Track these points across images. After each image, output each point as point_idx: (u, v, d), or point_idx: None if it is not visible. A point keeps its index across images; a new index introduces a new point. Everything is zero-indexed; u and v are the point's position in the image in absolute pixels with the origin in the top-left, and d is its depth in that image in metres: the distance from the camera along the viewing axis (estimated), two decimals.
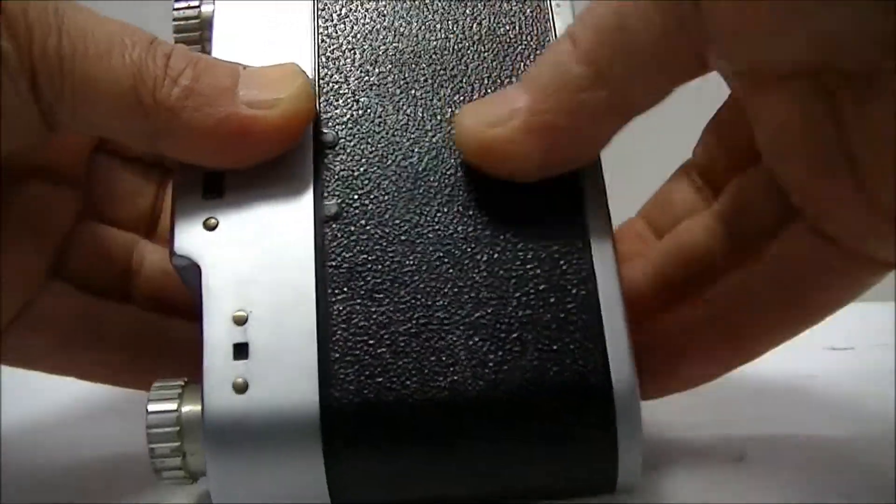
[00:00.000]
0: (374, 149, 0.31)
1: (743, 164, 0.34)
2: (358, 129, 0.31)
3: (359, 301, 0.29)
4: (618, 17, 0.28)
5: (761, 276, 0.32)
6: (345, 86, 0.32)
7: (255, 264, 0.29)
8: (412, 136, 0.31)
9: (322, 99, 0.32)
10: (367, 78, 0.32)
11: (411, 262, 0.29)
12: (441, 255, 0.30)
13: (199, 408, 0.28)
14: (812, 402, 0.40)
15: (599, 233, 0.30)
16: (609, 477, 0.29)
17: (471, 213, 0.30)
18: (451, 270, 0.29)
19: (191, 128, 0.28)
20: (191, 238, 0.30)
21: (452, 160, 0.31)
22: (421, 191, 0.30)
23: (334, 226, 0.30)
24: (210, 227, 0.30)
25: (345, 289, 0.29)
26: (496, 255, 0.30)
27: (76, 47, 0.28)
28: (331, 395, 0.28)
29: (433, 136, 0.31)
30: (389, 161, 0.31)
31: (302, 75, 0.30)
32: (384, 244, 0.30)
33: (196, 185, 0.30)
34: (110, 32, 0.28)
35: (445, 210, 0.30)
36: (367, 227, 0.30)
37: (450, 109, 0.31)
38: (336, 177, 0.31)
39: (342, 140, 0.31)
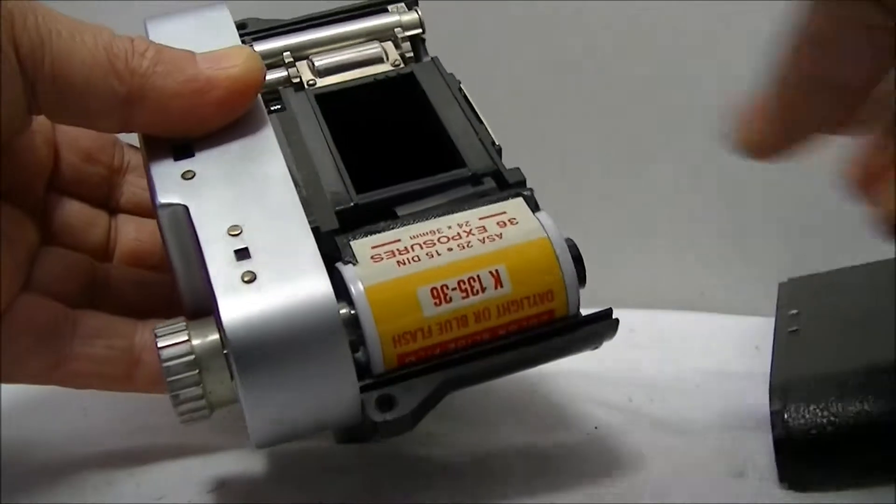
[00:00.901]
0: None
1: None
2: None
3: None
4: None
5: None
6: None
7: (239, 191, 0.31)
8: None
9: None
10: None
11: None
12: None
13: (211, 336, 0.29)
14: None
15: None
16: None
17: None
18: None
19: (161, 89, 0.31)
20: (172, 189, 0.31)
21: None
22: None
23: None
24: (188, 178, 0.31)
25: None
26: None
27: (51, 26, 0.31)
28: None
29: None
30: None
31: (248, 47, 0.34)
32: None
33: (167, 154, 0.32)
34: (77, 21, 0.31)
35: None
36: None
37: None
38: None
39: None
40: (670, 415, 0.38)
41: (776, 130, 0.31)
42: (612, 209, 0.52)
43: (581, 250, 0.31)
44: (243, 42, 0.36)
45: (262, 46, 0.37)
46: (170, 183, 0.31)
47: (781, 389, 0.35)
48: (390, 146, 0.35)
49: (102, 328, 0.34)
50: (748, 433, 0.36)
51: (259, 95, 0.33)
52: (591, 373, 0.40)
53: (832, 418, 0.33)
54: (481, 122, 0.34)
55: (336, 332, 0.28)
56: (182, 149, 0.32)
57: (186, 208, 0.30)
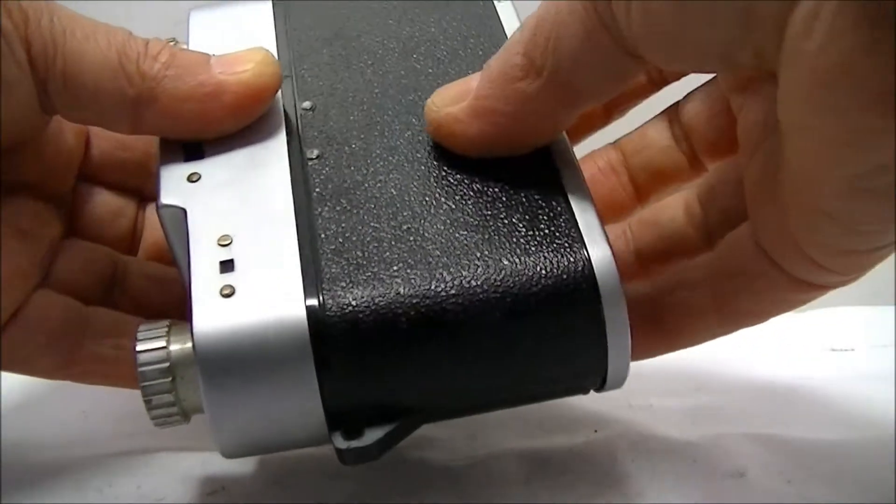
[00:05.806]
0: (347, 113, 0.33)
1: (725, 149, 0.34)
2: (333, 98, 0.34)
3: (343, 214, 0.30)
4: (554, 9, 0.29)
5: (703, 265, 0.33)
6: (317, 67, 0.35)
7: (237, 200, 0.31)
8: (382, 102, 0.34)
9: (299, 78, 0.34)
10: (338, 57, 0.35)
11: (391, 185, 0.31)
12: (418, 180, 0.31)
13: (188, 345, 0.29)
14: (812, 404, 0.40)
15: (569, 166, 0.31)
16: (599, 371, 0.30)
17: (438, 161, 0.32)
18: (429, 192, 0.31)
19: (172, 92, 0.31)
20: (175, 190, 0.31)
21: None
22: (393, 139, 0.32)
23: (317, 163, 0.32)
24: (193, 181, 0.31)
25: (328, 205, 0.30)
26: (470, 184, 0.31)
27: (65, 27, 0.31)
28: (319, 293, 0.28)
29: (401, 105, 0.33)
30: (362, 122, 0.33)
31: (264, 50, 0.33)
32: (364, 173, 0.31)
33: (178, 153, 0.32)
34: (93, 22, 0.32)
35: (418, 153, 0.32)
36: (348, 163, 0.32)
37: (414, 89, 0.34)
38: (316, 132, 0.33)
39: (319, 107, 0.33)
40: (670, 416, 0.38)
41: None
42: None
43: None
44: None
45: None
46: (174, 184, 0.31)
47: (320, 259, 0.29)
48: None
49: (112, 327, 0.34)
50: (748, 434, 0.37)
51: (280, 96, 0.33)
52: None
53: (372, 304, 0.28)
54: None
55: (304, 355, 0.28)
56: (193, 148, 0.32)
57: (185, 211, 0.30)
